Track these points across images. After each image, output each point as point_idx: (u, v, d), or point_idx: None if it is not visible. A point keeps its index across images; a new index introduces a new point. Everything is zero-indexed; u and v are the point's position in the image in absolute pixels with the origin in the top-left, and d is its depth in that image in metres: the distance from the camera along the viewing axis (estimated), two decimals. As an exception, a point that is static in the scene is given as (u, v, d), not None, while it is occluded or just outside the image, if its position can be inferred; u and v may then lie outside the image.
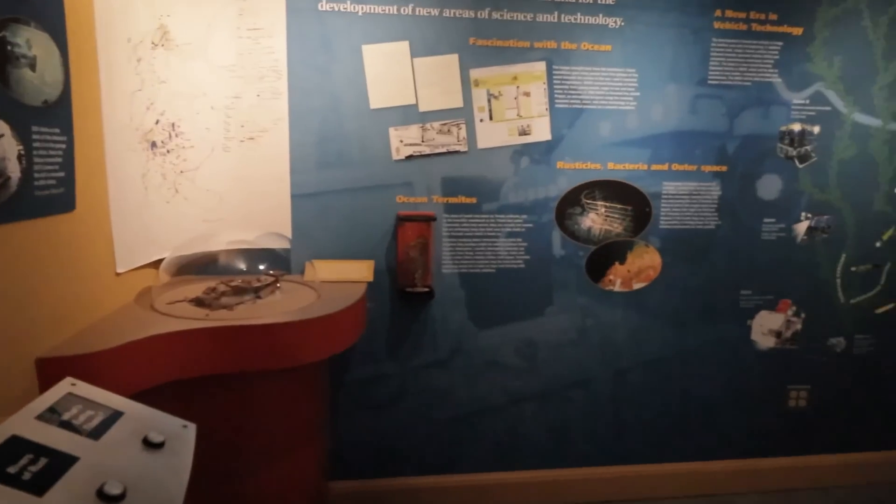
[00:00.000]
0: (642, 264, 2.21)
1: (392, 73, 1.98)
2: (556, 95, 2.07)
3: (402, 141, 2.02)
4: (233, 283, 1.65)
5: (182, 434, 0.90)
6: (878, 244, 2.33)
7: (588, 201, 2.14)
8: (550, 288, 2.17)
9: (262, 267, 1.79)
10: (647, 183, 2.16)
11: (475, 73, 2.03)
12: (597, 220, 2.15)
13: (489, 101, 2.04)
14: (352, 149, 2.00)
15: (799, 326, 2.33)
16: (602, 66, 2.07)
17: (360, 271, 1.95)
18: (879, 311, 2.37)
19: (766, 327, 2.31)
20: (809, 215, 2.27)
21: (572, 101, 2.08)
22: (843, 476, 2.45)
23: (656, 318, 2.24)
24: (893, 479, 2.45)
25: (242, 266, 1.79)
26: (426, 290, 2.01)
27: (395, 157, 2.02)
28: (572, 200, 2.13)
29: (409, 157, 2.03)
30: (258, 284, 1.67)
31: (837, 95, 2.22)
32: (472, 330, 2.14)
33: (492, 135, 2.06)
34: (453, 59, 2.01)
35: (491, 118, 2.05)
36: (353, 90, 1.97)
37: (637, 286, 2.21)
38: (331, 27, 1.93)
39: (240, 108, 1.92)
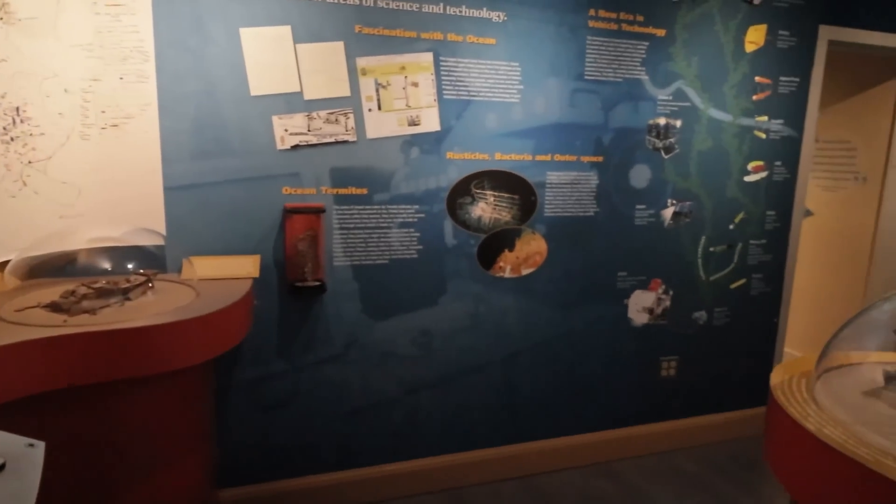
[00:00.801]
0: (530, 251, 2.30)
1: (274, 58, 1.89)
2: (444, 87, 2.09)
3: (286, 130, 1.94)
4: (96, 286, 1.50)
5: (28, 454, 0.80)
6: (731, 227, 2.62)
7: (478, 191, 2.19)
8: (443, 277, 2.20)
9: (131, 266, 1.65)
10: (532, 173, 2.25)
11: (362, 62, 1.99)
12: (486, 209, 2.21)
13: (377, 90, 2.02)
14: (232, 138, 1.89)
15: (668, 303, 2.56)
16: (487, 59, 2.12)
17: (245, 267, 1.85)
18: (733, 286, 2.67)
19: (641, 305, 2.52)
20: (675, 202, 2.49)
21: (460, 93, 2.11)
22: (710, 434, 2.74)
23: (544, 302, 2.36)
24: (751, 433, 2.77)
25: (107, 266, 1.63)
26: (317, 283, 1.96)
27: (280, 146, 1.94)
28: (463, 190, 2.17)
29: (296, 147, 1.96)
30: (127, 285, 1.53)
31: (696, 92, 2.45)
32: (366, 322, 2.12)
33: (381, 125, 2.04)
34: (339, 46, 1.96)
35: (380, 108, 2.03)
36: (231, 75, 1.86)
37: (525, 272, 2.31)
38: (203, 7, 1.80)
39: (100, 91, 1.74)
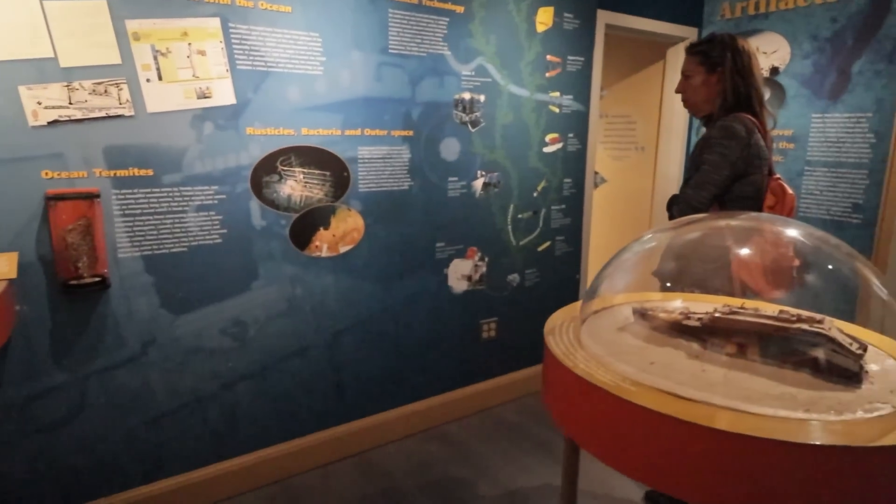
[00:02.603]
0: (346, 228, 2.27)
1: (13, 17, 1.58)
2: (236, 56, 1.93)
3: (39, 103, 1.65)
4: None
5: None
6: (535, 194, 2.84)
7: (285, 168, 2.09)
8: (254, 261, 2.07)
9: None
10: (343, 148, 2.21)
11: (133, 25, 1.76)
12: (296, 186, 2.12)
13: (156, 58, 1.80)
14: (-39, 112, 1.55)
15: (485, 269, 2.72)
16: (284, 28, 2.01)
17: (-6, 267, 1.55)
18: (540, 248, 2.92)
19: (459, 273, 2.63)
20: (484, 173, 2.63)
21: (256, 64, 1.98)
22: (529, 385, 2.99)
23: (365, 278, 2.35)
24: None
25: None
26: (97, 279, 1.72)
27: (33, 122, 1.64)
28: (268, 168, 2.05)
29: (54, 123, 1.67)
30: None
31: (495, 69, 2.59)
32: (166, 318, 1.93)
33: (164, 97, 1.83)
34: (100, 5, 1.70)
35: (161, 78, 1.82)
36: (-50, 35, 1.52)
37: (344, 249, 2.27)
38: None
39: None
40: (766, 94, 3.07)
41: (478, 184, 2.63)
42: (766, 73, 3.13)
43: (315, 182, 2.16)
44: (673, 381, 0.96)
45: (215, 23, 1.89)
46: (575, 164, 2.98)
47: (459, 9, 2.42)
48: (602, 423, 0.97)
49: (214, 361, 2.04)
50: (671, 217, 1.88)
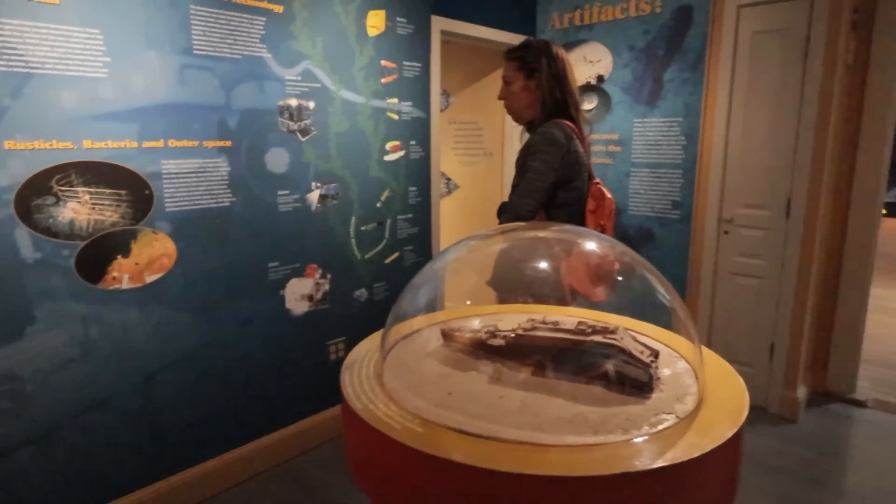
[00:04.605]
0: (153, 253, 1.98)
1: None
2: (-17, 54, 1.58)
3: None
4: None
5: None
6: (378, 205, 2.73)
7: (64, 189, 1.76)
8: (27, 302, 1.72)
9: None
10: (142, 162, 1.92)
11: None
12: (81, 209, 1.80)
13: None
14: None
15: (327, 287, 2.54)
16: (50, 22, 1.69)
17: None
18: (388, 260, 2.81)
19: (299, 293, 2.44)
20: (319, 184, 2.46)
21: (13, 63, 1.63)
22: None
23: (183, 309, 2.07)
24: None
25: None
26: None
27: None
28: (40, 189, 1.71)
29: None
30: None
31: (325, 73, 2.43)
32: None
33: None
34: None
35: None
36: None
37: (151, 279, 1.98)
38: None
39: None
40: (594, 101, 3.25)
41: (313, 196, 2.45)
42: (593, 81, 3.30)
43: (107, 203, 1.85)
44: (466, 415, 0.88)
45: (-53, 13, 1.53)
46: (419, 171, 2.91)
47: (278, 8, 2.23)
48: (392, 474, 0.86)
49: (-24, 430, 1.66)
50: (501, 224, 1.86)
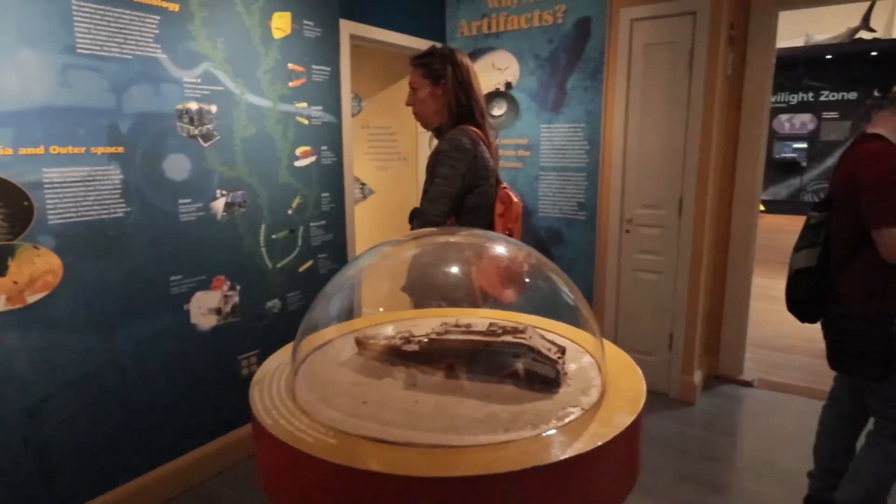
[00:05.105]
0: (35, 271, 1.80)
1: None
2: None
3: None
4: None
5: None
6: (290, 212, 2.65)
7: (-79, 201, 1.56)
8: None
9: None
10: (19, 171, 1.74)
11: None
12: (-56, 224, 1.60)
13: None
14: None
15: (237, 299, 2.43)
16: None
17: None
18: (302, 269, 2.73)
19: (206, 307, 2.31)
20: (225, 192, 2.35)
21: None
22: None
23: (71, 331, 1.90)
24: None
25: None
26: None
27: None
28: None
29: None
30: None
31: (227, 76, 2.33)
32: None
33: None
34: None
35: None
36: None
37: (33, 298, 1.80)
38: None
39: None
40: (504, 107, 3.35)
41: (218, 204, 2.33)
42: (501, 88, 3.41)
43: (-24, 216, 1.66)
44: (381, 423, 0.87)
45: None
46: (332, 177, 2.86)
47: (173, 6, 2.11)
48: (308, 490, 0.84)
49: None
50: (413, 230, 1.87)
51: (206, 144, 2.26)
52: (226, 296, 2.39)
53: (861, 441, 1.94)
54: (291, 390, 1.00)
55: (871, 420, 1.90)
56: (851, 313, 1.79)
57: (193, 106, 2.21)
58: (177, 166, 2.17)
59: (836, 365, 1.89)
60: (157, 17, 2.07)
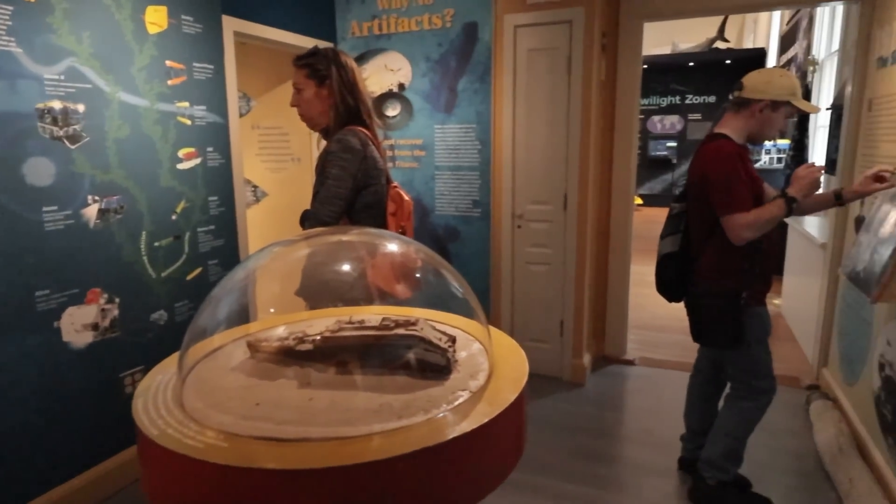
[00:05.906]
0: None
1: None
2: None
3: None
4: None
5: None
6: (174, 217, 2.50)
7: None
8: None
9: None
10: None
11: None
12: None
13: None
14: None
15: (116, 312, 2.26)
16: None
17: None
18: (190, 277, 2.59)
19: (80, 323, 2.13)
20: (98, 198, 2.18)
21: None
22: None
23: (-87, 358, 1.67)
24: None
25: None
26: None
27: None
28: None
29: None
30: None
31: (96, 73, 2.16)
32: None
33: None
34: None
35: None
36: None
37: None
38: None
39: None
40: (398, 108, 3.39)
41: (90, 211, 2.16)
42: (395, 89, 3.44)
43: None
44: (275, 422, 0.88)
45: None
46: (219, 179, 2.74)
47: (27, -5, 1.92)
48: (201, 497, 0.82)
49: None
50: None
51: (73, 146, 2.09)
52: (103, 309, 2.21)
53: (721, 404, 2.21)
54: (179, 399, 0.97)
55: (728, 385, 2.17)
56: (708, 291, 2.04)
57: (57, 105, 2.03)
58: (39, 170, 1.98)
59: (697, 337, 2.13)
60: (10, 8, 1.87)
